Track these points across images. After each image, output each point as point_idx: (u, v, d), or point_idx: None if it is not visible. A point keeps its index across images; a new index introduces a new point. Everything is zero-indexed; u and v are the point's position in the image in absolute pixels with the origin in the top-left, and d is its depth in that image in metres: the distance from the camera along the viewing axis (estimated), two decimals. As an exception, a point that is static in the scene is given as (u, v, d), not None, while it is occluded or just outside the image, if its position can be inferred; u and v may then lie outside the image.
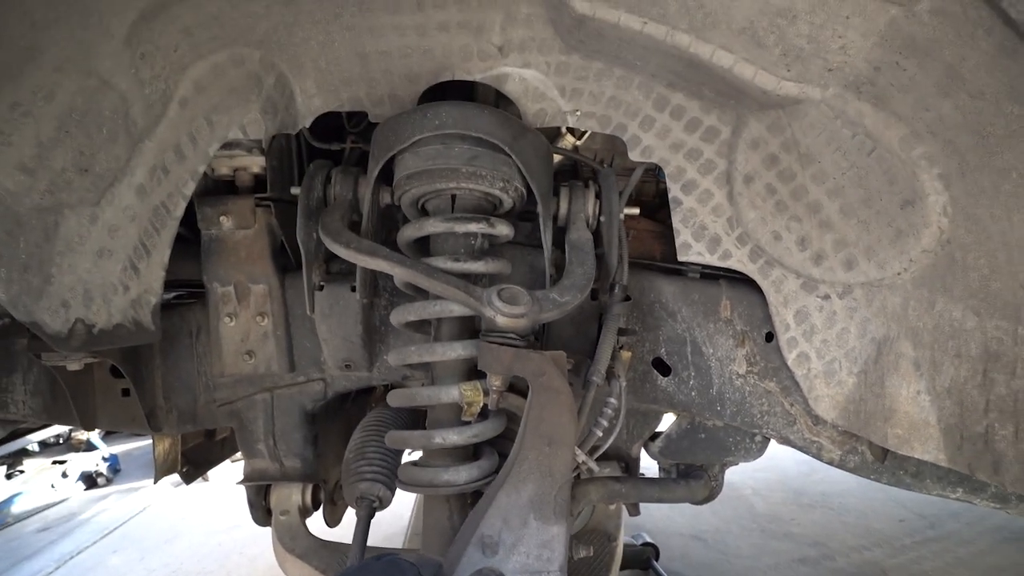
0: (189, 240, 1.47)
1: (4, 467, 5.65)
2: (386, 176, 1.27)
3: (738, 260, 1.30)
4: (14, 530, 4.75)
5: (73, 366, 1.33)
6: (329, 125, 1.41)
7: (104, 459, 5.90)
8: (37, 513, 5.07)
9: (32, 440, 5.81)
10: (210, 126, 1.13)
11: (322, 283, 1.31)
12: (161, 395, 1.47)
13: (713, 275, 1.45)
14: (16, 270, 1.05)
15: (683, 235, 1.30)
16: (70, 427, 6.38)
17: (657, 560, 2.91)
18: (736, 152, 1.22)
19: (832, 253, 1.21)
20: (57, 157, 0.98)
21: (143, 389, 1.44)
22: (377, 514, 1.29)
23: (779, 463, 4.24)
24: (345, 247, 1.08)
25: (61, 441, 6.63)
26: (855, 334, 1.26)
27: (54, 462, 5.82)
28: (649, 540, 3.04)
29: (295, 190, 1.27)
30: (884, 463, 1.42)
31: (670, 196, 1.29)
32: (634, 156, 1.27)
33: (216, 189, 1.39)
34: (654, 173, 1.66)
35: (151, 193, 1.14)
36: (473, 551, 0.88)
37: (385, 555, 0.70)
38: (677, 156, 1.26)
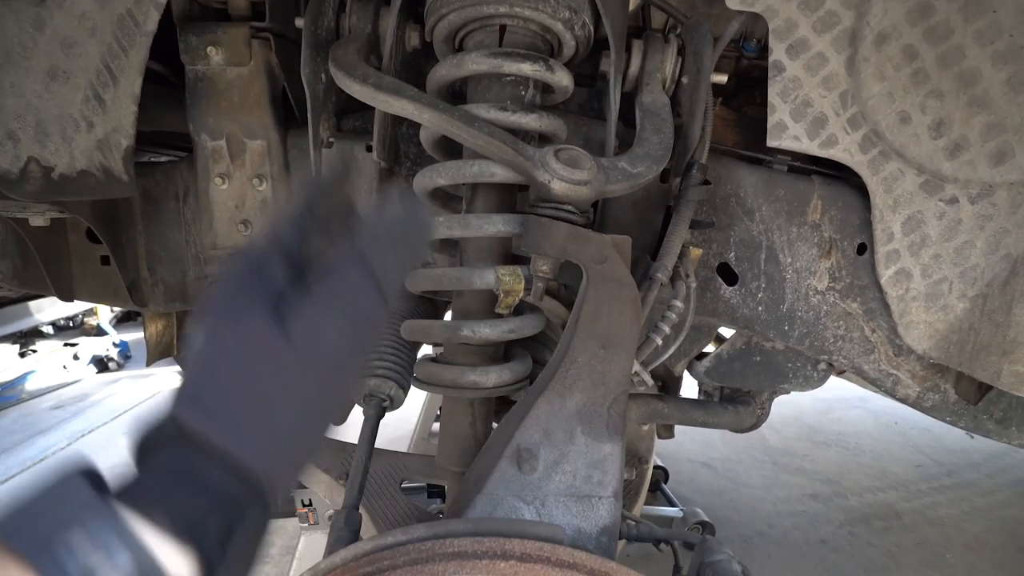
0: (173, 84, 1.23)
1: (17, 346, 5.70)
2: (416, 17, 1.00)
3: (844, 148, 1.04)
4: (28, 406, 4.84)
5: (37, 221, 1.13)
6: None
7: (115, 344, 5.94)
8: (50, 392, 5.16)
9: (44, 321, 5.83)
10: (187, -95, 0.86)
11: (331, 139, 1.07)
12: (145, 266, 1.28)
13: (804, 169, 1.20)
14: (-64, 76, 0.83)
15: (779, 112, 1.03)
16: (81, 312, 6.41)
17: (666, 483, 2.84)
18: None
19: (979, 141, 0.95)
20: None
21: (123, 257, 1.25)
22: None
23: (794, 398, 4.11)
24: (361, 83, 0.84)
25: (73, 325, 6.69)
26: (982, 249, 1.02)
27: (66, 344, 5.87)
28: (659, 463, 2.96)
29: (300, 22, 1.01)
30: (974, 405, 1.23)
31: (770, 61, 1.01)
32: (733, 2, 0.97)
33: (204, 16, 1.12)
34: (736, 46, 1.36)
35: (114, -3, 0.88)
36: (506, 466, 0.70)
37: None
38: (789, 4, 0.97)
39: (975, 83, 0.91)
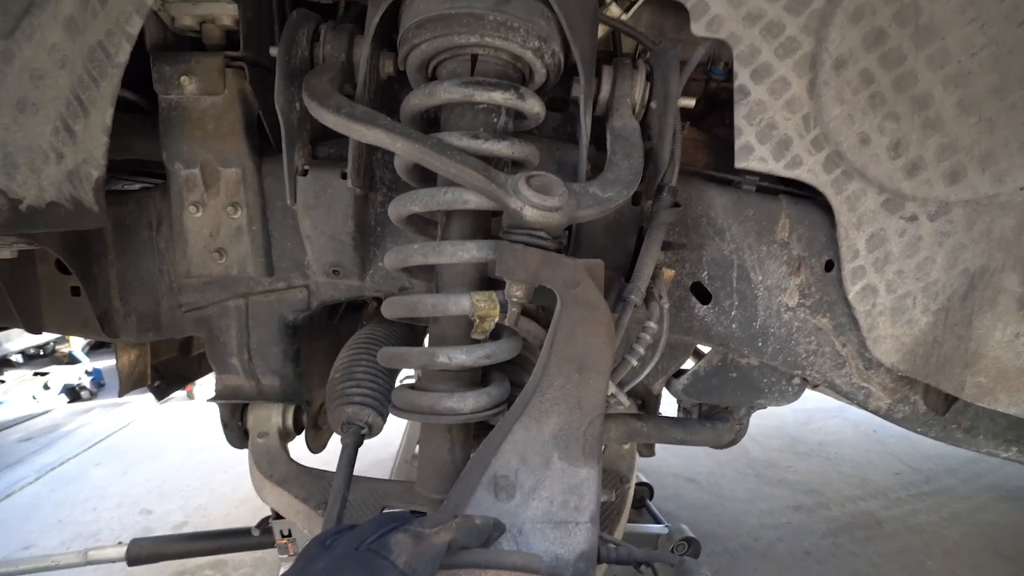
0: (146, 112, 1.22)
1: (-15, 376, 5.53)
2: (389, 44, 1.02)
3: (809, 169, 1.07)
4: (-4, 438, 4.67)
5: (3, 253, 1.11)
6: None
7: (87, 373, 5.79)
8: (19, 423, 4.99)
9: (13, 351, 5.67)
10: (158, -61, 0.87)
11: (306, 167, 1.07)
12: (117, 296, 1.26)
13: (771, 189, 1.23)
14: (-101, 111, 0.81)
15: (745, 135, 1.06)
16: (53, 340, 6.24)
17: (651, 499, 2.84)
18: (830, 27, 0.97)
19: (934, 161, 0.99)
20: (-63, -51, 0.72)
21: (95, 287, 1.23)
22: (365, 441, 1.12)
23: (776, 410, 4.17)
24: (334, 112, 0.85)
25: (43, 353, 6.51)
26: (941, 264, 1.06)
27: (35, 373, 5.71)
28: (643, 479, 2.96)
29: (274, 51, 1.02)
30: (942, 416, 1.26)
31: (735, 85, 1.04)
32: (697, 29, 1.01)
33: (178, 46, 1.13)
34: (704, 70, 1.41)
35: (84, 30, 0.88)
36: (484, 493, 0.70)
37: (379, 525, 0.51)
38: (752, 31, 1.00)
39: (928, 106, 0.95)
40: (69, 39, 0.89)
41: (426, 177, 1.01)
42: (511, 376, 1.05)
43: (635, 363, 0.96)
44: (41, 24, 0.86)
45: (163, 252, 1.24)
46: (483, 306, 0.84)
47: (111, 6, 0.88)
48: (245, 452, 1.44)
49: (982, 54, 0.86)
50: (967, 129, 0.93)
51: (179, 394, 4.69)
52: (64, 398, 5.53)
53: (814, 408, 4.48)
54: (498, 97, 0.87)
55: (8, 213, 0.94)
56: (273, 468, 1.36)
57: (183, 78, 1.08)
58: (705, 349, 1.43)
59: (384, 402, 1.12)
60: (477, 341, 0.92)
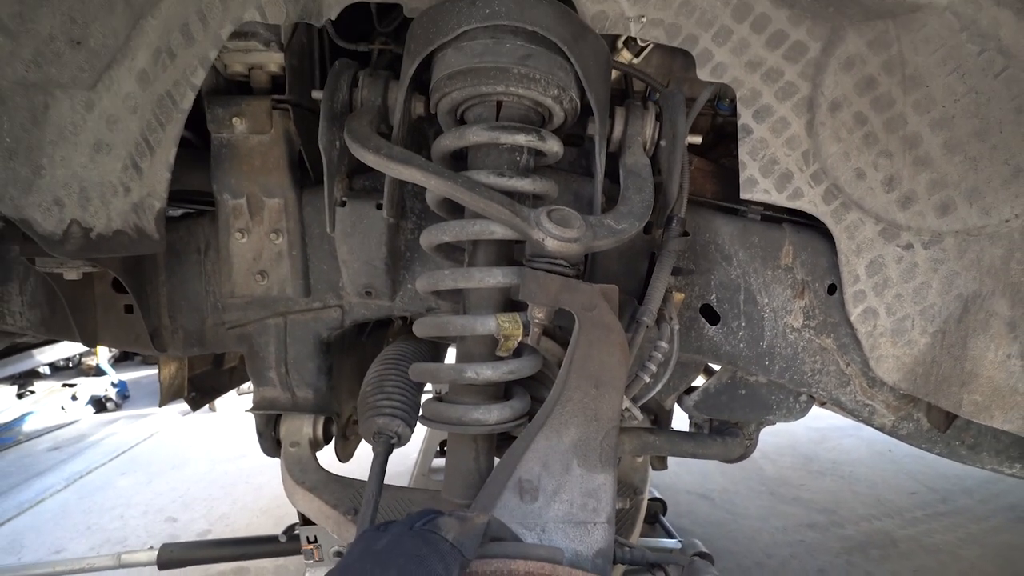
0: (198, 147, 1.34)
1: (15, 387, 5.71)
2: (419, 86, 1.12)
3: (810, 200, 1.15)
4: (25, 447, 4.83)
5: (70, 275, 1.22)
6: (356, 26, 1.24)
7: (113, 384, 5.95)
8: (48, 433, 5.15)
9: (43, 363, 5.85)
10: (223, 2, 0.98)
11: (344, 199, 1.18)
12: (166, 314, 1.37)
13: (775, 218, 1.31)
14: (0, 155, 0.93)
15: (749, 169, 1.15)
16: (80, 352, 6.43)
17: (664, 515, 2.88)
18: (824, 73, 1.06)
19: (925, 195, 1.06)
20: (43, 19, 0.84)
21: (147, 306, 1.34)
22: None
23: (789, 428, 4.19)
24: (375, 153, 0.95)
25: (71, 365, 6.70)
26: (937, 289, 1.13)
27: (64, 385, 5.88)
28: (657, 495, 3.00)
29: (316, 94, 1.13)
30: (944, 432, 1.32)
31: (739, 124, 1.13)
32: (703, 75, 1.10)
33: (228, 90, 1.24)
34: (711, 105, 1.50)
35: (155, 80, 1.00)
36: (510, 496, 0.78)
37: (423, 515, 0.60)
38: (753, 76, 1.09)
39: (917, 145, 1.03)
40: (141, 89, 1.00)
41: (454, 208, 1.10)
42: (530, 391, 1.13)
43: (647, 379, 1.04)
44: (118, 76, 0.98)
45: (209, 274, 1.35)
46: (508, 327, 0.93)
47: (179, 60, 0.99)
48: (263, 465, 1.53)
49: (963, 101, 0.94)
50: (954, 167, 1.01)
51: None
52: (91, 409, 5.69)
53: (828, 427, 4.49)
54: (521, 139, 0.97)
55: (81, 240, 1.05)
56: (304, 475, 1.44)
57: (234, 119, 1.19)
58: (715, 367, 1.50)
59: (412, 414, 1.21)
60: (501, 358, 1.00)
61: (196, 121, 1.23)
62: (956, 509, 3.31)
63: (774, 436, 4.19)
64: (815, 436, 4.36)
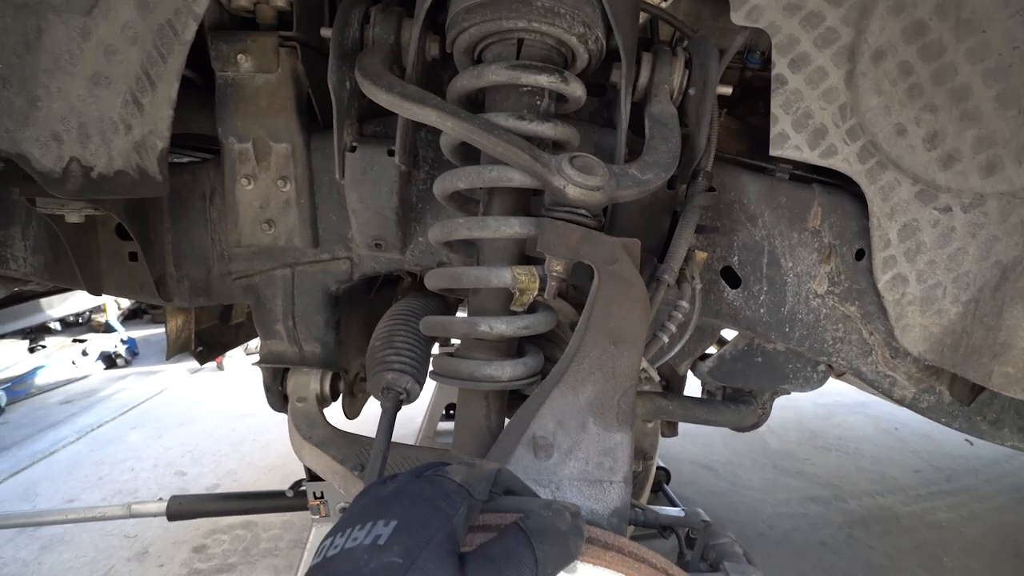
0: (202, 88, 1.28)
1: (27, 341, 5.77)
2: (433, 26, 1.05)
3: (843, 159, 1.08)
4: (38, 400, 4.91)
5: (72, 217, 1.18)
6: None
7: (123, 341, 6.01)
8: (60, 387, 5.24)
9: (53, 317, 5.91)
10: (226, -76, 0.91)
11: (354, 143, 1.12)
12: (171, 262, 1.34)
13: (804, 177, 1.25)
14: (-7, 82, 0.88)
15: (781, 123, 1.08)
16: (89, 308, 6.48)
17: (668, 484, 2.88)
18: (870, 18, 0.98)
19: (970, 153, 1.00)
20: (34, -69, 0.78)
21: (151, 253, 1.31)
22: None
23: (795, 402, 4.17)
24: (388, 91, 0.89)
25: (81, 321, 6.76)
26: (974, 255, 1.07)
27: (74, 340, 5.95)
28: (661, 464, 3.00)
29: (326, 32, 1.07)
30: (967, 407, 1.28)
31: (773, 73, 1.06)
32: (737, 18, 1.02)
33: (233, 25, 1.18)
34: (740, 58, 1.42)
35: (154, 8, 0.94)
36: (523, 452, 0.75)
37: (430, 466, 0.57)
38: (791, 21, 1.02)
39: (967, 98, 0.96)
40: (140, 17, 0.94)
41: (469, 156, 1.05)
42: (542, 350, 1.10)
43: (666, 340, 1.00)
44: (116, 3, 0.92)
45: (215, 222, 1.31)
46: (524, 279, 0.89)
47: (181, -15, 0.93)
48: (271, 423, 1.52)
49: (1025, 47, 0.87)
50: (1005, 122, 0.94)
51: (209, 365, 4.86)
52: (101, 364, 5.76)
53: (833, 403, 4.47)
54: (543, 80, 0.91)
55: (81, 180, 1.01)
56: (312, 431, 1.43)
57: (239, 56, 1.13)
58: (728, 335, 1.46)
59: (421, 370, 1.18)
60: (515, 313, 0.97)
61: (200, 61, 1.17)
62: (961, 488, 3.30)
63: (780, 410, 4.16)
64: (821, 412, 4.35)
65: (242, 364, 5.67)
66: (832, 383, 1.46)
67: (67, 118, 0.96)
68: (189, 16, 0.96)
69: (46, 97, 0.93)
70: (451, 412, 3.17)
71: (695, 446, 3.61)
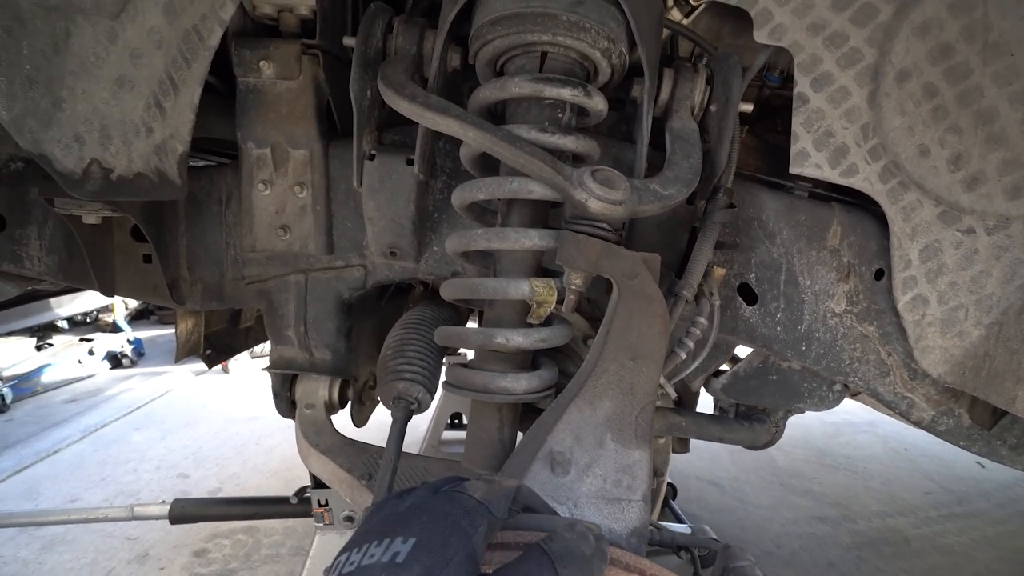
0: (223, 94, 1.29)
1: (34, 339, 5.80)
2: (456, 38, 1.06)
3: (865, 178, 1.07)
4: (43, 398, 4.93)
5: (89, 218, 1.18)
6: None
7: (129, 341, 6.03)
8: (65, 385, 5.25)
9: (61, 316, 5.93)
10: (255, -68, 0.92)
11: (373, 152, 1.12)
12: (185, 265, 1.33)
13: (823, 196, 1.24)
14: (19, 83, 0.89)
15: (802, 141, 1.08)
16: (97, 308, 6.51)
17: (674, 500, 2.85)
18: (895, 39, 0.98)
19: (995, 176, 0.99)
20: (66, -65, 0.78)
21: (166, 256, 1.31)
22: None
23: (803, 420, 4.14)
24: (410, 101, 0.89)
25: (88, 320, 6.80)
26: (998, 278, 1.06)
27: (81, 339, 5.97)
28: (667, 480, 2.97)
29: (348, 41, 1.07)
30: (988, 431, 1.25)
31: (795, 92, 1.05)
32: (760, 36, 1.02)
33: (256, 32, 1.19)
34: (759, 76, 1.42)
35: (181, 13, 0.95)
36: (540, 467, 0.74)
37: (448, 481, 0.56)
38: (815, 40, 1.02)
39: (993, 121, 0.95)
40: (167, 22, 0.95)
41: (488, 167, 1.05)
42: (557, 363, 1.09)
43: (683, 356, 0.99)
44: (144, 7, 0.92)
45: (230, 226, 1.31)
46: (542, 292, 0.88)
47: (208, -7, 0.94)
48: (275, 428, 1.51)
49: (1055, 70, 0.86)
50: (1033, 144, 0.93)
51: (215, 367, 4.87)
52: (107, 364, 5.78)
53: (842, 421, 4.42)
54: (566, 94, 0.91)
55: (101, 181, 1.01)
56: (319, 438, 1.41)
57: (262, 63, 1.13)
58: (742, 352, 1.44)
59: (432, 380, 1.17)
60: (532, 326, 0.96)
61: (221, 67, 1.18)
62: (972, 511, 3.25)
63: (787, 428, 4.12)
64: (829, 430, 4.30)
65: (247, 367, 5.67)
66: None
67: (90, 120, 0.97)
68: (215, 22, 0.96)
69: (70, 99, 0.93)
70: (455, 421, 3.16)
71: (701, 461, 3.58)
